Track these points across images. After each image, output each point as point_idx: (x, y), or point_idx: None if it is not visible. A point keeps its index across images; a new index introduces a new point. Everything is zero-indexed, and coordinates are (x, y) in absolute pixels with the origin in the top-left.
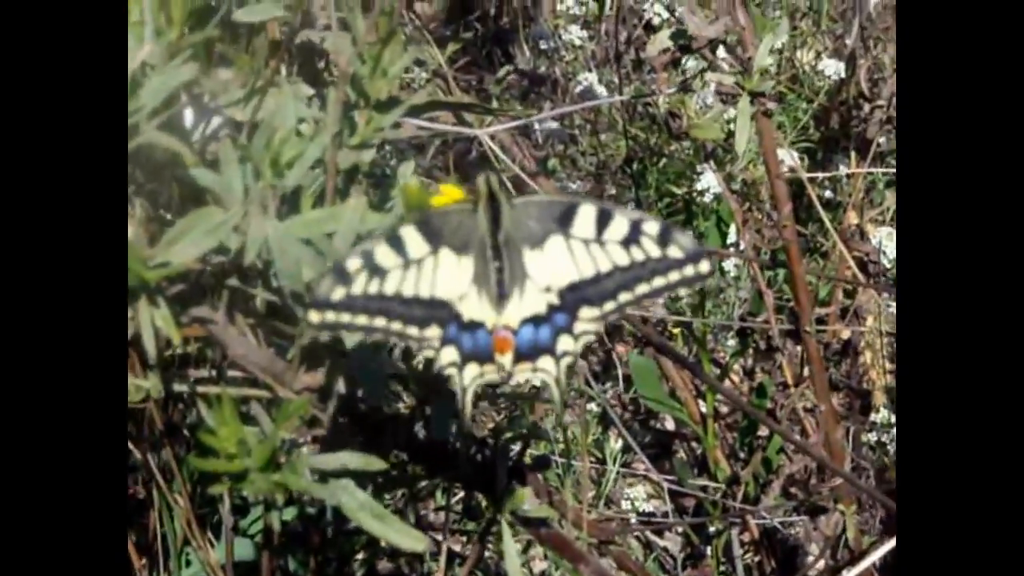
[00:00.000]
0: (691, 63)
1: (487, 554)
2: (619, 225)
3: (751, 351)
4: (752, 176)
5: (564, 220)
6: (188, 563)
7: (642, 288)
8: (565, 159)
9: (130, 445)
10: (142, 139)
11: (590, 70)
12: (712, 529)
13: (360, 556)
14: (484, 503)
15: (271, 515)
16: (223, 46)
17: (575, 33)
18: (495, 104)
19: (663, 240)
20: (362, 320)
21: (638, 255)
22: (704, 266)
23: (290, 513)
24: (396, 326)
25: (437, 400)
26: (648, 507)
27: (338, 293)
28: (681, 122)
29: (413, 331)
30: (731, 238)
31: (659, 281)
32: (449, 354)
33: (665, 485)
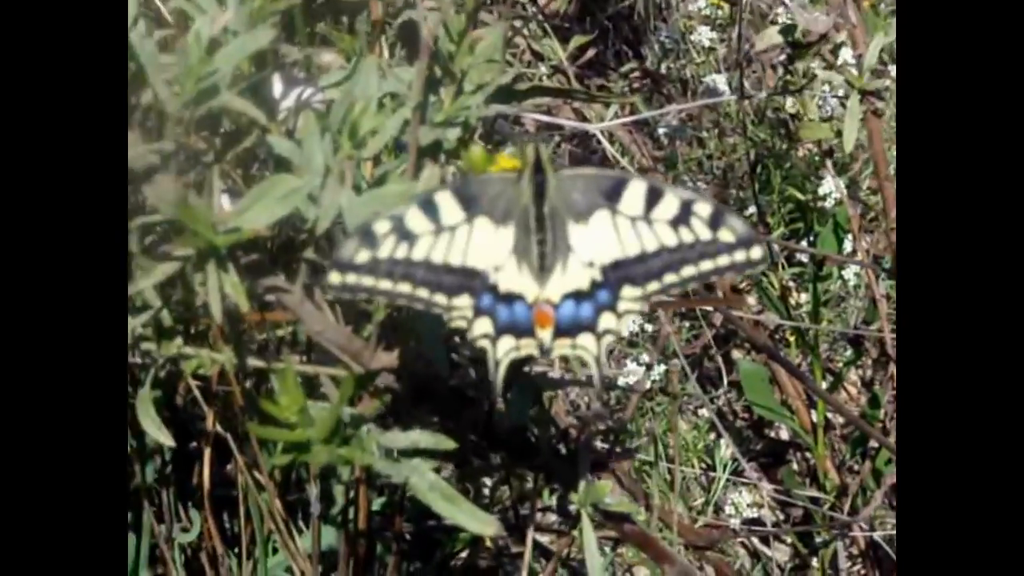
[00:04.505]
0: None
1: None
2: (669, 204)
3: (868, 361)
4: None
5: (612, 195)
6: (275, 551)
7: (689, 271)
8: (690, 161)
9: (217, 425)
10: (216, 103)
11: (719, 72)
12: (819, 540)
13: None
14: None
15: (361, 494)
16: (325, 26)
17: (704, 35)
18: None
19: (714, 223)
20: (385, 285)
21: (687, 236)
22: (756, 252)
23: (378, 503)
24: (422, 293)
25: (516, 384)
26: (752, 513)
27: (362, 255)
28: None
29: (441, 299)
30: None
31: (707, 265)
32: (483, 325)
33: (766, 494)
